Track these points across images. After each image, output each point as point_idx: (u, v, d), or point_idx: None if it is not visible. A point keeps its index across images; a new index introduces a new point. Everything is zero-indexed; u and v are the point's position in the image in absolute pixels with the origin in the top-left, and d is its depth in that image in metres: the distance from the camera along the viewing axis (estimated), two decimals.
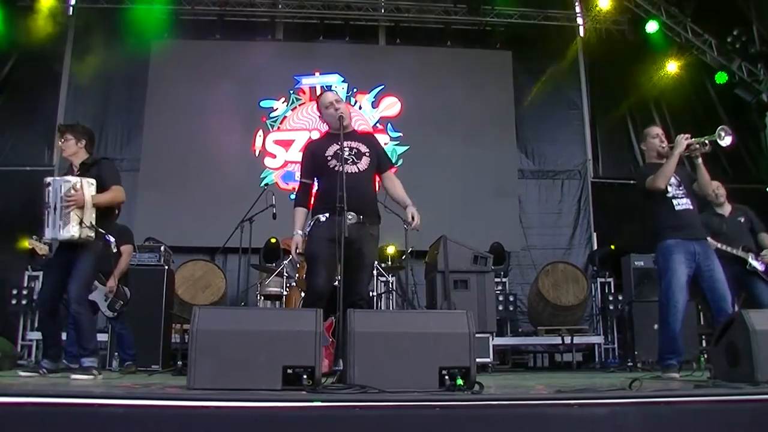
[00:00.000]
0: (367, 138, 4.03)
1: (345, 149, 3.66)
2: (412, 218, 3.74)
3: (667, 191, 4.24)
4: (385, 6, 9.41)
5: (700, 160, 4.25)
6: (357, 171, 3.68)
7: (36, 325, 7.18)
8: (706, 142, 4.22)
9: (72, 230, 3.93)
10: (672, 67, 9.09)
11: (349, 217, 3.47)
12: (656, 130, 4.54)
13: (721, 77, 8.71)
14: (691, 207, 4.26)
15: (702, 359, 6.31)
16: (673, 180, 4.27)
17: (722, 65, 8.72)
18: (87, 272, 4.14)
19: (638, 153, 9.30)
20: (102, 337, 5.83)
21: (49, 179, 4.09)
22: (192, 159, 8.42)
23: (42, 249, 5.36)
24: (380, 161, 3.91)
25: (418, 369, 2.77)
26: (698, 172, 4.28)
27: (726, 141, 4.21)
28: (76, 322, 4.11)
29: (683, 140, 4.24)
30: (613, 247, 8.25)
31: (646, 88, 9.34)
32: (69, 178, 4.05)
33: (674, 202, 4.24)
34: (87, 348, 4.07)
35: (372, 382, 2.58)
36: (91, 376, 3.92)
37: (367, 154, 3.81)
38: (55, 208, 3.96)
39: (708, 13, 8.66)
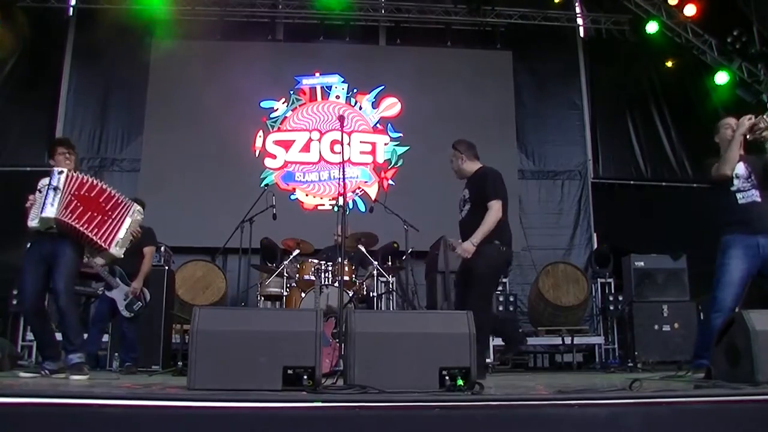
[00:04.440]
0: (473, 180, 4.63)
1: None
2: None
3: (732, 184, 3.92)
4: (385, 6, 9.40)
5: None
6: (462, 218, 4.63)
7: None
8: None
9: (120, 252, 4.28)
10: (672, 67, 9.08)
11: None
12: (730, 120, 4.12)
13: (721, 77, 8.70)
14: (760, 199, 3.90)
15: None
16: (742, 171, 3.94)
17: (722, 65, 8.71)
18: (73, 265, 4.21)
19: (638, 153, 9.32)
20: (102, 337, 5.85)
21: (65, 170, 4.17)
22: (192, 159, 8.42)
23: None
24: (481, 199, 4.46)
25: (418, 369, 2.77)
26: None
27: None
28: (65, 315, 4.10)
29: (746, 120, 3.90)
30: (603, 245, 8.26)
31: (647, 89, 9.35)
32: (141, 210, 4.39)
33: (738, 195, 3.92)
34: (75, 342, 4.09)
35: (372, 383, 2.59)
36: (86, 375, 3.95)
37: (469, 200, 4.57)
38: (119, 221, 4.24)
39: (708, 13, 8.65)
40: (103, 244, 4.17)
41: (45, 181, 4.15)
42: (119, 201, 4.26)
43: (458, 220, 4.68)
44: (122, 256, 4.30)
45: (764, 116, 3.93)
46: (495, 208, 4.37)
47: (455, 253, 4.44)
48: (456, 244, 4.57)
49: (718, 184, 3.97)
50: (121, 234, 4.22)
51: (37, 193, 4.12)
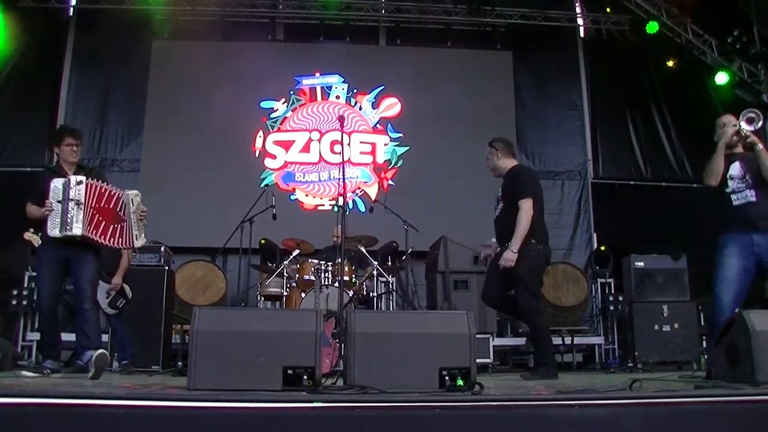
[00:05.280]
0: (506, 178, 4.66)
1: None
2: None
3: (727, 186, 3.91)
4: (385, 6, 9.40)
5: (759, 146, 3.85)
6: (496, 215, 4.67)
7: (36, 326, 7.18)
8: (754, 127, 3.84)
9: (143, 239, 4.44)
10: (672, 67, 9.09)
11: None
12: (724, 119, 4.05)
13: (721, 78, 8.70)
14: (755, 199, 3.85)
15: (702, 359, 6.33)
16: (736, 172, 3.90)
17: (723, 66, 8.71)
18: (97, 269, 4.39)
19: (638, 153, 9.32)
20: (102, 337, 5.84)
21: (83, 179, 4.21)
22: (192, 159, 8.42)
23: (38, 242, 5.35)
24: (512, 197, 4.47)
25: (418, 369, 2.77)
26: (758, 159, 3.84)
27: (755, 125, 3.85)
28: (88, 316, 4.21)
29: (729, 128, 3.89)
30: (603, 248, 8.25)
31: (647, 89, 9.35)
32: (137, 192, 4.42)
33: (733, 197, 3.90)
34: (93, 340, 4.16)
35: (372, 383, 2.58)
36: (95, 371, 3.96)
37: (500, 198, 4.63)
38: (128, 220, 4.32)
39: (708, 13, 8.66)
40: (127, 246, 4.43)
41: (58, 184, 4.14)
42: (119, 197, 4.31)
43: (493, 218, 4.72)
44: (145, 240, 4.47)
45: (741, 125, 3.88)
46: (525, 207, 4.35)
47: (499, 264, 4.42)
48: (487, 251, 4.76)
49: (713, 188, 3.96)
50: (136, 227, 4.34)
51: (55, 202, 4.12)
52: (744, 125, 3.88)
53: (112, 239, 4.25)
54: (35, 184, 4.40)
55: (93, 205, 4.16)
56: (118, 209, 4.28)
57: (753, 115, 3.89)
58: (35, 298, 7.15)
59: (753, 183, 3.88)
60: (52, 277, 4.27)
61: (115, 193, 4.29)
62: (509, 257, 4.32)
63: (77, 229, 4.09)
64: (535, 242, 4.42)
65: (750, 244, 3.81)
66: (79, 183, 4.14)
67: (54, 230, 4.12)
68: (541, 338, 4.49)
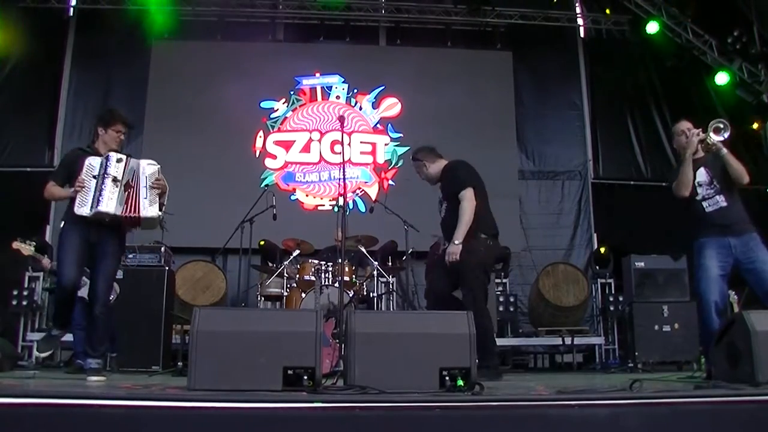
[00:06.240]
0: (442, 177, 4.58)
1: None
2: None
3: (696, 194, 3.98)
4: (385, 6, 9.41)
5: (724, 150, 3.90)
6: (442, 217, 4.54)
7: (36, 326, 7.18)
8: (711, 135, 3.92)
9: (156, 210, 4.02)
10: (672, 67, 9.09)
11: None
12: (682, 126, 4.14)
13: (721, 78, 8.70)
14: (726, 204, 3.92)
15: (702, 359, 6.33)
16: (703, 178, 3.97)
17: (723, 66, 8.71)
18: (115, 271, 4.14)
19: (638, 153, 9.32)
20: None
21: (124, 157, 4.00)
22: (192, 159, 8.40)
23: (27, 250, 5.29)
24: (452, 193, 4.39)
25: (418, 369, 2.78)
26: (726, 163, 3.89)
27: (723, 135, 3.92)
28: (97, 322, 4.02)
29: (694, 138, 3.95)
30: (603, 249, 8.24)
31: (647, 89, 9.35)
32: (153, 162, 4.14)
33: (704, 204, 3.96)
34: (97, 350, 4.07)
35: (372, 383, 2.59)
36: (104, 377, 3.93)
37: (442, 199, 4.54)
38: (136, 186, 3.97)
39: (708, 13, 8.65)
40: (131, 214, 3.94)
41: (94, 162, 3.89)
42: (132, 167, 4.01)
43: (439, 221, 4.58)
44: (159, 212, 4.06)
45: (710, 133, 3.93)
46: (467, 197, 4.24)
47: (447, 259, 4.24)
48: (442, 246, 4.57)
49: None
50: (145, 194, 3.97)
51: (91, 178, 3.84)
52: (713, 136, 3.93)
53: (119, 206, 3.89)
54: (62, 165, 4.13)
55: (124, 183, 3.90)
56: (132, 180, 3.99)
57: (721, 125, 3.94)
58: (35, 297, 7.18)
59: (721, 187, 3.95)
60: (74, 257, 3.88)
61: (122, 159, 3.98)
62: (453, 250, 4.16)
63: (110, 207, 3.79)
64: (485, 237, 4.28)
65: (728, 246, 3.87)
66: (119, 161, 3.89)
67: (82, 208, 3.80)
68: (483, 339, 4.10)
